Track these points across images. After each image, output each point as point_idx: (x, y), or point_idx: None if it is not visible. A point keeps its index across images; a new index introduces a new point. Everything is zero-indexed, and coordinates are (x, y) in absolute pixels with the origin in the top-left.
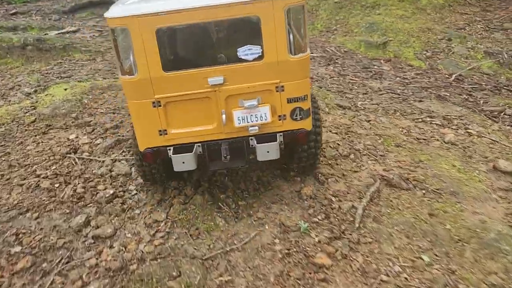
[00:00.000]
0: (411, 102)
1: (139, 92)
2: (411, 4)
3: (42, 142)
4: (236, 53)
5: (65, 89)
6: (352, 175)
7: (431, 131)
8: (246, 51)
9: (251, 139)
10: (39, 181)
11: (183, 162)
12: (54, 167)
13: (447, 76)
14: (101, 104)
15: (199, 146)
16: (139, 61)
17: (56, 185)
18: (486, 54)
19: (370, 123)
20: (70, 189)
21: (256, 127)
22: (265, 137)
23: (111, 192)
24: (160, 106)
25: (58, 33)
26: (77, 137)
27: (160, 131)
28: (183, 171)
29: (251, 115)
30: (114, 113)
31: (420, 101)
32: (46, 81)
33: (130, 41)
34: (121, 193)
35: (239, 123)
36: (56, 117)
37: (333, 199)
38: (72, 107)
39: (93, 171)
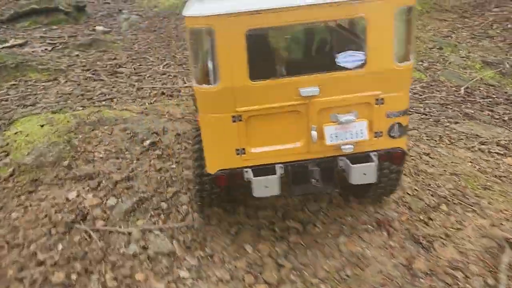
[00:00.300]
0: (447, 124)
1: (218, 104)
2: None
3: (31, 205)
4: (334, 59)
5: (42, 126)
6: (457, 235)
7: (499, 163)
8: (347, 58)
9: (341, 159)
10: (46, 271)
11: (266, 186)
12: (61, 247)
13: (454, 89)
14: (97, 146)
15: (281, 167)
16: (223, 68)
17: (74, 277)
18: (484, 63)
19: (430, 157)
20: (97, 282)
21: (351, 146)
22: (358, 157)
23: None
24: (240, 120)
25: (2, 47)
26: (78, 195)
27: (237, 150)
28: (263, 197)
29: (346, 131)
30: (118, 158)
31: (456, 122)
32: (5, 111)
33: (213, 44)
34: (172, 284)
35: (331, 141)
36: (42, 168)
37: (456, 274)
38: (61, 152)
39: (120, 250)
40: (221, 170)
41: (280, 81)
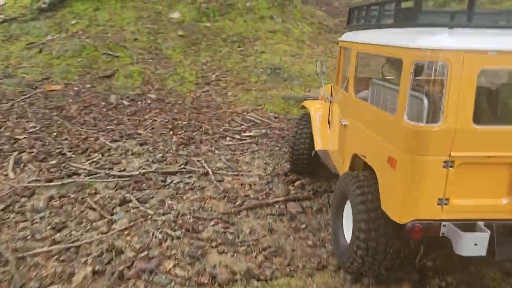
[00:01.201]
0: None
1: (433, 145)
2: (287, 36)
3: None
4: None
5: None
6: None
7: None
8: None
9: None
10: None
11: (476, 244)
12: None
13: None
14: None
15: (484, 224)
16: (450, 107)
17: None
18: None
19: None
20: None
21: None
22: None
23: None
24: (451, 167)
25: None
26: None
27: (440, 199)
28: (470, 256)
29: None
30: None
31: None
32: None
33: (444, 81)
34: None
35: None
36: None
37: None
38: None
39: None
40: (418, 220)
41: (505, 129)
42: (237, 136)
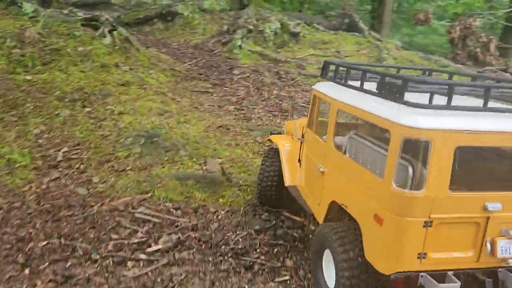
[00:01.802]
0: None
1: (417, 209)
2: (144, 89)
3: None
4: None
5: None
6: None
7: None
8: None
9: (500, 271)
10: None
11: None
12: None
13: None
14: None
15: (452, 274)
16: (432, 177)
17: None
18: None
19: None
20: None
21: None
22: None
23: None
24: (430, 226)
25: None
26: None
27: (419, 254)
28: None
29: None
30: None
31: None
32: None
33: (425, 155)
34: None
35: (501, 254)
36: None
37: None
38: None
39: None
40: (399, 272)
41: (472, 194)
42: (142, 256)
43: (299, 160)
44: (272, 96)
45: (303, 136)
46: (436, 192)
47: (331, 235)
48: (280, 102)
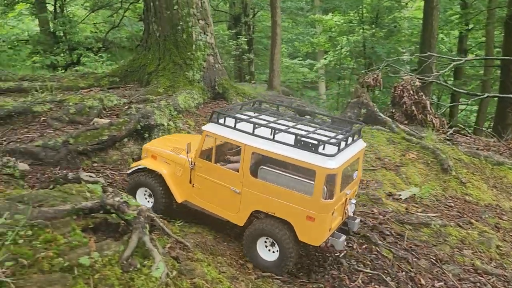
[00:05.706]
0: None
1: (330, 208)
2: None
3: None
4: None
5: None
6: None
7: None
8: None
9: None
10: None
11: None
12: None
13: None
14: None
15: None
16: (337, 192)
17: None
18: None
19: None
20: None
21: None
22: None
23: None
24: (332, 214)
25: None
26: None
27: (330, 229)
28: None
29: None
30: None
31: None
32: None
33: (334, 181)
34: None
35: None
36: None
37: None
38: None
39: None
40: (323, 242)
41: (340, 194)
42: None
43: (190, 181)
44: None
45: (194, 164)
46: (338, 199)
47: (270, 227)
48: None
